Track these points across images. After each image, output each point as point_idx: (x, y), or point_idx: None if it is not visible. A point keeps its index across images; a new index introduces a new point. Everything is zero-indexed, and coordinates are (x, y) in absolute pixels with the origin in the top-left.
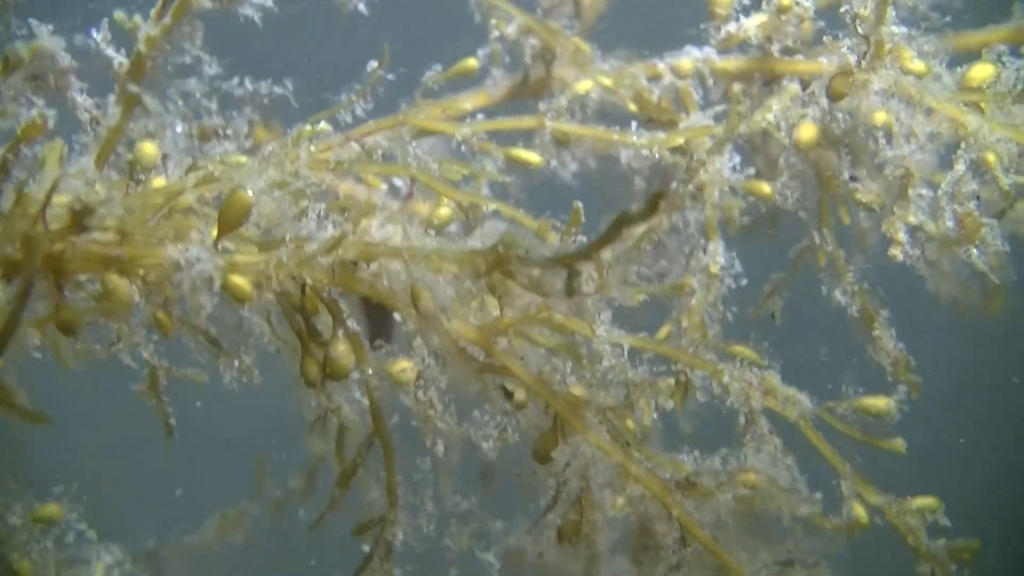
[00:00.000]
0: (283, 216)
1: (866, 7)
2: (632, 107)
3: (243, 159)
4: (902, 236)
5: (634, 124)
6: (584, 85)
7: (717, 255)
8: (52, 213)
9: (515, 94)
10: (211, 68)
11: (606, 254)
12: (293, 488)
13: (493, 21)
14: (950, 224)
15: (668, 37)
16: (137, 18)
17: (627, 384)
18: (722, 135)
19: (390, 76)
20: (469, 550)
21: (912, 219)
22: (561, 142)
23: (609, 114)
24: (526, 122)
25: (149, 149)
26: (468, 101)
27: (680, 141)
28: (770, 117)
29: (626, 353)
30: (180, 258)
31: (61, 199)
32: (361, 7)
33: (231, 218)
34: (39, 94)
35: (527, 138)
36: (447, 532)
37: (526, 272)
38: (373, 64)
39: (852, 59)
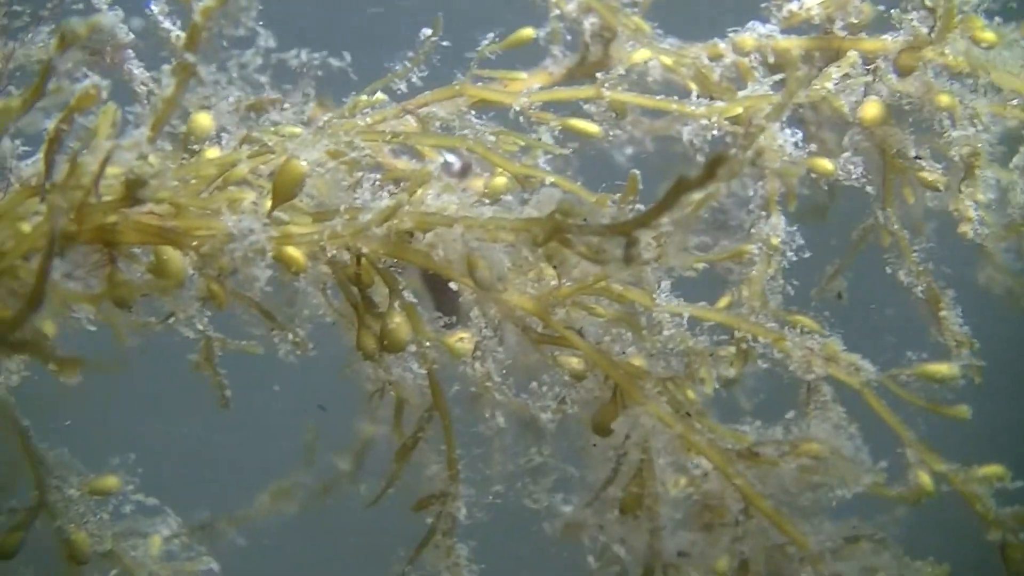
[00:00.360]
0: (337, 186)
1: None
2: (692, 86)
3: (297, 130)
4: (972, 213)
5: (693, 94)
6: (642, 54)
7: (778, 228)
8: (105, 184)
9: (573, 74)
10: (266, 42)
11: (664, 221)
12: (346, 465)
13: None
14: (1021, 200)
15: (726, 21)
16: None
17: (688, 354)
18: (781, 100)
19: (445, 43)
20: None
21: (981, 197)
22: (619, 112)
23: (669, 93)
24: (583, 92)
25: (204, 120)
26: (527, 82)
27: (739, 110)
28: (829, 85)
29: (686, 323)
30: (233, 229)
31: (114, 170)
32: None
33: (285, 188)
34: (95, 69)
35: (586, 114)
36: (524, 491)
37: (584, 240)
38: (427, 31)
39: (922, 30)
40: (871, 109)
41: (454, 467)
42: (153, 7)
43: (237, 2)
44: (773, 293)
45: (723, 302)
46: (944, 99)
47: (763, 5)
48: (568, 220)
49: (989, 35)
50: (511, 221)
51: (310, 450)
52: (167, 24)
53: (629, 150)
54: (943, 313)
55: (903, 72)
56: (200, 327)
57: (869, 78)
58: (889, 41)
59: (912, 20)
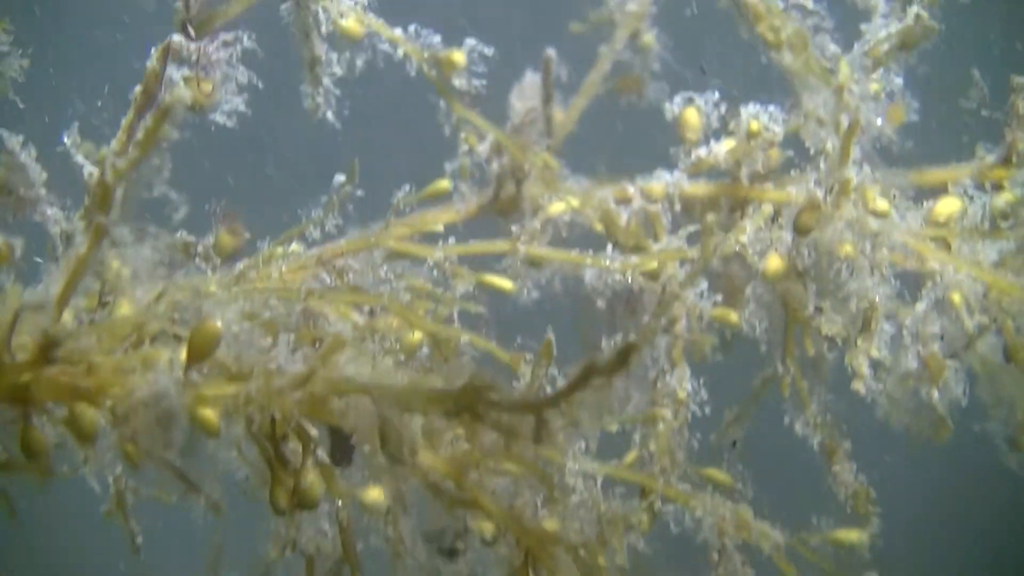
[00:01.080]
0: (252, 345)
1: (830, 145)
2: (599, 228)
3: (212, 287)
4: (865, 370)
5: (609, 247)
6: (557, 207)
7: (684, 380)
8: (18, 343)
9: (484, 211)
10: (180, 211)
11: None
12: None
13: (463, 135)
14: (913, 364)
15: (637, 155)
16: (104, 149)
17: (600, 519)
18: (695, 267)
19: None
20: None
21: (875, 353)
22: (535, 265)
23: (576, 233)
24: (499, 246)
25: (118, 269)
26: (436, 218)
27: (653, 265)
28: (744, 239)
29: (599, 485)
30: (147, 392)
31: (27, 328)
32: (330, 116)
33: (200, 348)
34: (8, 210)
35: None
36: None
37: (494, 417)
38: (340, 178)
39: (818, 193)
40: (773, 263)
41: None
42: (66, 139)
43: (149, 164)
44: (679, 447)
45: (630, 457)
46: (846, 248)
47: (672, 150)
48: (479, 397)
49: (883, 206)
50: (423, 393)
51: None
52: (80, 159)
53: (535, 294)
54: (836, 468)
55: (802, 230)
56: (111, 479)
57: (775, 232)
58: (793, 192)
59: (810, 183)
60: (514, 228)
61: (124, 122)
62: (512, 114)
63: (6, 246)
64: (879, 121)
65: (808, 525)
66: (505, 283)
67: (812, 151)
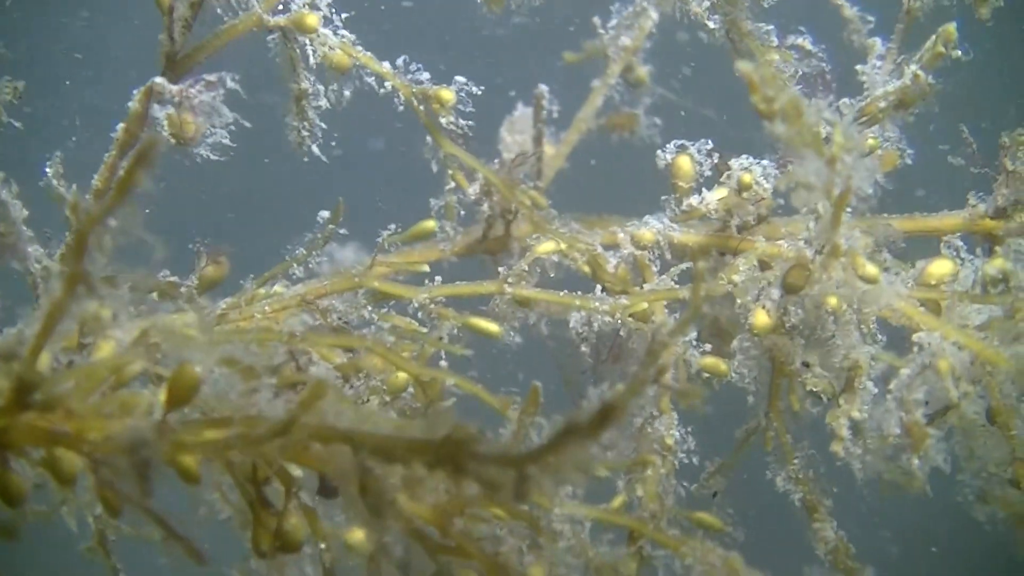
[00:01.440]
0: (232, 389)
1: (821, 207)
2: (586, 271)
3: (192, 331)
4: (845, 432)
5: (597, 288)
6: (546, 247)
7: (671, 428)
8: None
9: (470, 250)
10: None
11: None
12: None
13: (449, 172)
14: (895, 430)
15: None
16: (75, 195)
17: (588, 565)
18: (685, 314)
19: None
20: None
21: (856, 414)
22: (522, 306)
23: (561, 275)
24: (485, 287)
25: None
26: (422, 256)
27: (644, 306)
28: (736, 278)
29: (587, 530)
30: (125, 438)
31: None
32: (315, 150)
33: (180, 394)
34: None
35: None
36: None
37: (475, 470)
38: (325, 214)
39: (808, 253)
40: (761, 318)
41: None
42: (48, 170)
43: (124, 213)
44: (667, 493)
45: (617, 502)
46: (832, 301)
47: (663, 198)
48: (460, 449)
49: (870, 271)
50: (404, 443)
51: None
52: (62, 190)
53: (518, 339)
54: (816, 525)
55: (791, 288)
56: (91, 519)
57: (763, 284)
58: (784, 248)
59: (800, 241)
60: (501, 269)
61: (106, 161)
62: (502, 147)
63: None
64: (869, 187)
65: (798, 572)
66: (492, 327)
67: (803, 213)
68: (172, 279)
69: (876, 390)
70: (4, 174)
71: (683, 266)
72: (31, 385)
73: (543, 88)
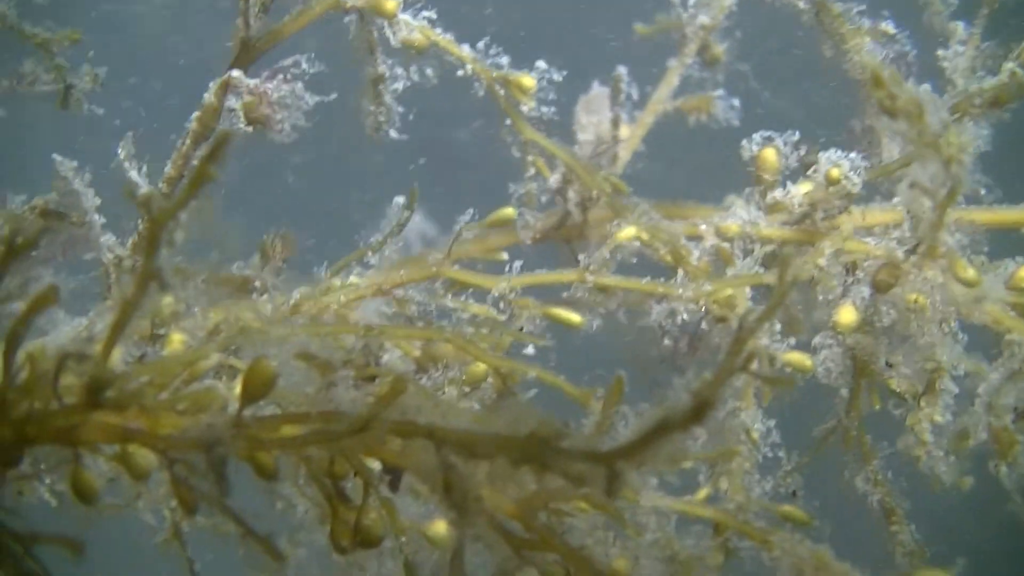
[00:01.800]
0: (309, 384)
1: (925, 206)
2: (668, 260)
3: (266, 324)
4: (928, 436)
5: (679, 276)
6: (627, 233)
7: (756, 422)
8: (66, 385)
9: (548, 237)
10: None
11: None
12: None
13: (530, 158)
14: (983, 435)
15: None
16: (149, 190)
17: (674, 559)
18: (772, 300)
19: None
20: None
21: (939, 418)
22: (602, 294)
23: (642, 265)
24: (566, 275)
25: (170, 304)
26: (499, 243)
27: (729, 291)
28: (821, 262)
29: (672, 523)
30: (199, 436)
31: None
32: (393, 134)
33: (255, 389)
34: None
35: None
36: None
37: (563, 467)
38: (400, 200)
39: (899, 253)
40: (846, 315)
41: None
42: (120, 151)
43: (198, 207)
44: (750, 487)
45: (702, 494)
46: (914, 297)
47: (747, 190)
48: (547, 446)
49: (970, 274)
50: (489, 438)
51: None
52: (134, 175)
53: (598, 321)
54: (894, 528)
55: (880, 288)
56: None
57: (853, 279)
58: (872, 246)
59: (893, 239)
60: (580, 257)
61: (179, 151)
62: (578, 127)
63: (52, 289)
64: (975, 187)
65: (888, 564)
66: (574, 317)
67: (904, 214)
68: (246, 271)
69: (958, 391)
70: (76, 163)
71: (766, 249)
72: (104, 383)
73: (621, 70)
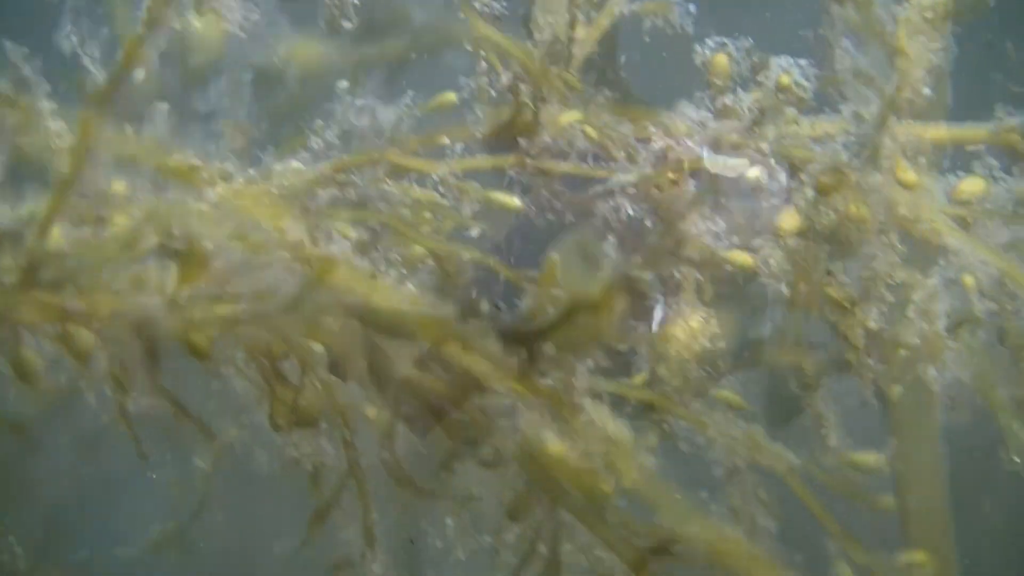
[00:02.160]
0: (245, 265)
1: (868, 109)
2: (618, 157)
3: (203, 206)
4: (860, 342)
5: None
6: (569, 116)
7: (695, 312)
8: (3, 266)
9: (498, 133)
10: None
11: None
12: None
13: (482, 53)
14: (915, 340)
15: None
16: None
17: (608, 438)
18: (704, 188)
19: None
20: None
21: (872, 325)
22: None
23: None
24: (507, 160)
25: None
26: (451, 135)
27: (672, 175)
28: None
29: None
30: (136, 316)
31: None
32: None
33: (190, 270)
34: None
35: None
36: None
37: (483, 347)
38: (343, 84)
39: (843, 156)
40: (788, 220)
41: (371, 532)
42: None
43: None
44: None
45: (639, 379)
46: (854, 208)
47: (697, 94)
48: (466, 327)
49: (910, 176)
50: (409, 318)
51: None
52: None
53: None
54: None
55: (823, 192)
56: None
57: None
58: (817, 152)
59: (837, 144)
60: (522, 142)
61: None
62: (533, 27)
63: None
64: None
65: (823, 447)
66: (513, 201)
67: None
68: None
69: (893, 300)
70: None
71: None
72: (38, 262)
73: None
